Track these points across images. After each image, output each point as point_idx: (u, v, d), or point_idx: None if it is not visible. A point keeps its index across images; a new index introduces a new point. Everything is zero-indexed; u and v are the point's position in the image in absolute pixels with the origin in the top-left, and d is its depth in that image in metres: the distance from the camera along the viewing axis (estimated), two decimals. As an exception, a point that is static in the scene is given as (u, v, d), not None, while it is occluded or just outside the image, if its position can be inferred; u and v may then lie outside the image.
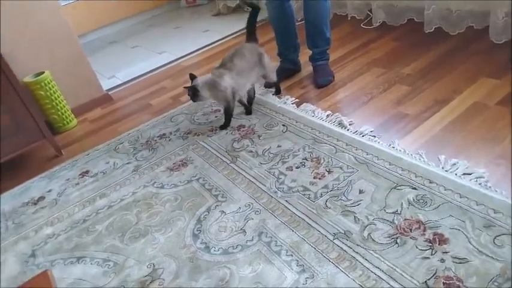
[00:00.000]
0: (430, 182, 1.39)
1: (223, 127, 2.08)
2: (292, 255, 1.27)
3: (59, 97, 2.50)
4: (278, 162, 1.71)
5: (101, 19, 4.44)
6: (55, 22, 2.54)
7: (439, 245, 1.17)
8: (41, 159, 2.30)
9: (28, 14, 2.43)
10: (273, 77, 2.21)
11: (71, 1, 4.22)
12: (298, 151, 1.75)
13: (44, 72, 2.46)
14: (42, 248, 1.60)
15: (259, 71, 2.10)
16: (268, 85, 2.39)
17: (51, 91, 2.45)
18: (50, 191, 1.96)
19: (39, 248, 1.61)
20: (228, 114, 2.07)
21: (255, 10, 2.11)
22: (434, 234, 1.21)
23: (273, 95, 2.28)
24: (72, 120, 2.62)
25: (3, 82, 1.99)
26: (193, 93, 1.99)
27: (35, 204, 1.89)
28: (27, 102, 2.09)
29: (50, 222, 1.74)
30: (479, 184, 1.33)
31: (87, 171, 2.03)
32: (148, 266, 1.38)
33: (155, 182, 1.81)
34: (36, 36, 2.49)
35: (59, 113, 2.52)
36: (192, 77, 2.02)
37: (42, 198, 1.92)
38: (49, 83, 2.43)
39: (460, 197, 1.30)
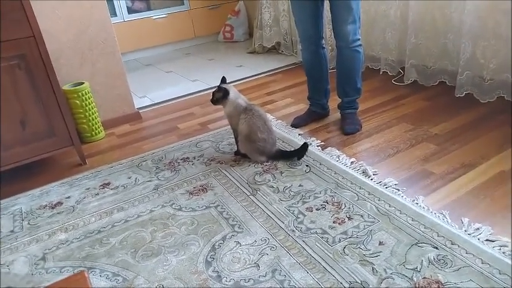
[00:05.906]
0: (452, 244, 1.37)
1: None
2: (304, 297, 1.24)
3: (92, 108, 2.58)
4: (298, 201, 1.71)
5: (141, 42, 4.64)
6: (104, 38, 2.65)
7: (458, 309, 1.14)
8: (65, 166, 2.34)
9: (83, 27, 2.56)
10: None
11: (119, 20, 4.44)
12: (320, 193, 1.75)
13: (83, 82, 2.56)
14: (54, 252, 1.60)
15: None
16: (294, 125, 2.44)
17: (87, 102, 2.53)
18: (68, 197, 1.98)
19: (50, 252, 1.61)
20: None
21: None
22: (454, 297, 1.18)
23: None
24: (100, 132, 2.68)
25: (47, 87, 2.07)
26: (223, 95, 2.04)
27: (52, 208, 1.91)
28: (64, 109, 2.17)
29: (64, 228, 1.75)
30: (503, 253, 1.30)
31: (108, 183, 2.06)
32: (158, 287, 1.36)
33: (174, 203, 1.82)
34: (84, 49, 2.60)
35: (90, 123, 2.58)
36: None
37: (60, 203, 1.94)
38: (86, 94, 2.52)
39: (482, 263, 1.27)
